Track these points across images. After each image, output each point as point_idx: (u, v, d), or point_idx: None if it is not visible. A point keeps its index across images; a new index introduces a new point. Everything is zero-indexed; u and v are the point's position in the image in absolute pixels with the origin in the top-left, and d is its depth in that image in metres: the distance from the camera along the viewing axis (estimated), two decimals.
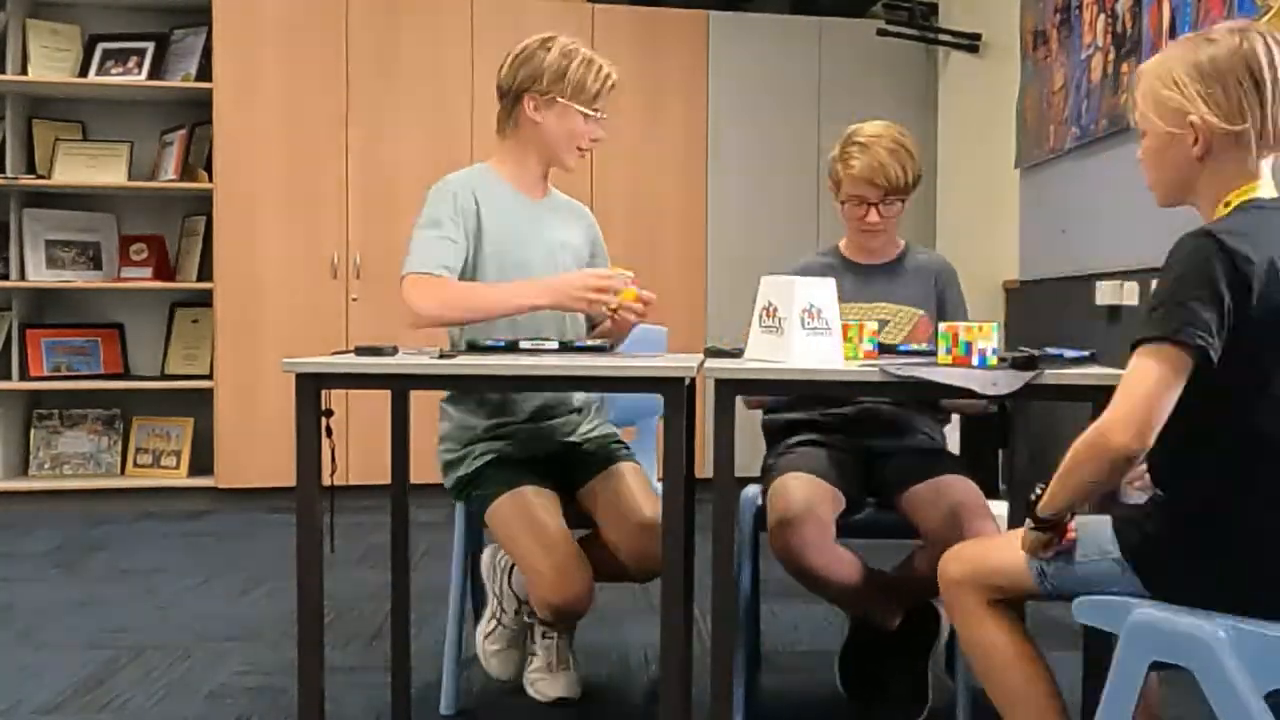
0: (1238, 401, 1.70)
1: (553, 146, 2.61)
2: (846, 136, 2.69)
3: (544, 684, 2.67)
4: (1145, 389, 1.67)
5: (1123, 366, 1.75)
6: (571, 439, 2.68)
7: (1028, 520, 1.86)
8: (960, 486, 2.50)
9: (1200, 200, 1.82)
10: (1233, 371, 1.68)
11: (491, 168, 2.66)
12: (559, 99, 2.55)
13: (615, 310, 2.44)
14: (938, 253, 3.02)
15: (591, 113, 2.58)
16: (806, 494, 2.42)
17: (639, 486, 2.56)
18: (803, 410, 2.72)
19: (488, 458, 2.58)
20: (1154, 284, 1.77)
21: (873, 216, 2.65)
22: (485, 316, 2.46)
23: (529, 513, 2.44)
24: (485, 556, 2.72)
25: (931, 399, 2.69)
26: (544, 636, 2.67)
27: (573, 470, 2.63)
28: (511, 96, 2.59)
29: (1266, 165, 1.80)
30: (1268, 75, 1.72)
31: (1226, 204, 1.77)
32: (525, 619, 2.67)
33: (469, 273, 2.55)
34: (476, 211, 2.56)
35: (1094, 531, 1.86)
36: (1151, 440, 1.67)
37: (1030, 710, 1.90)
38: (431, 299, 2.42)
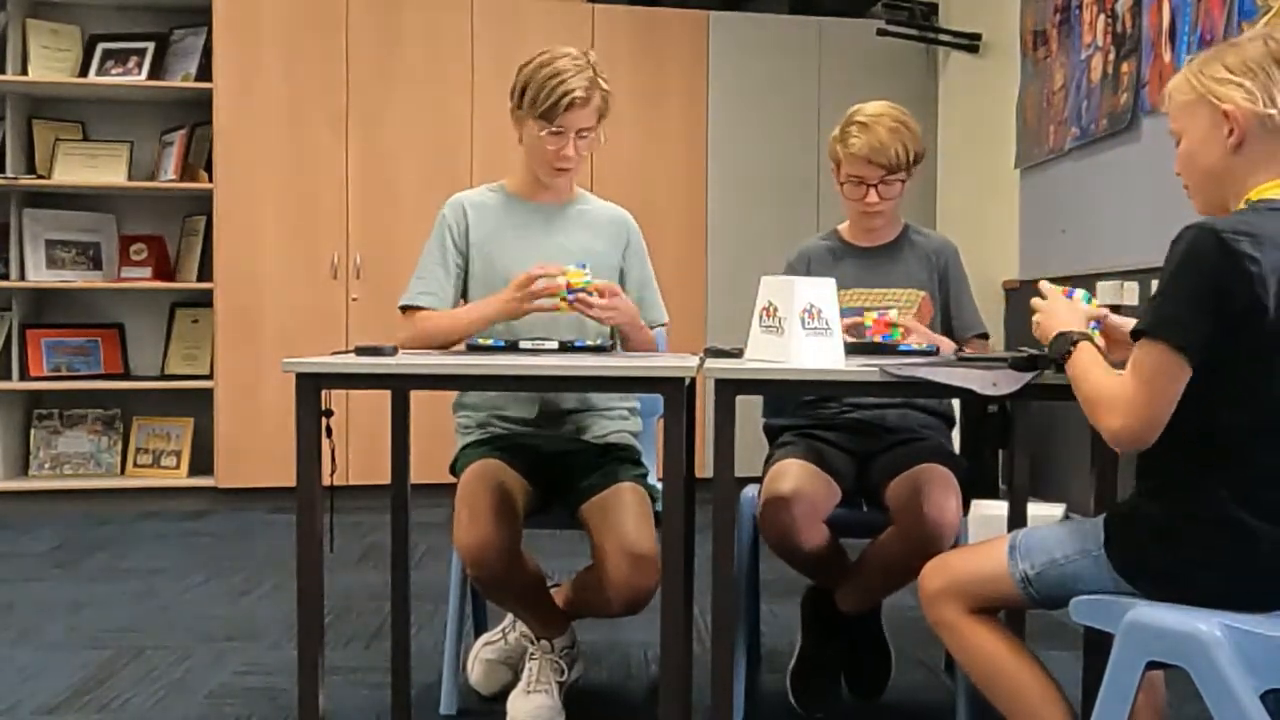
0: (1242, 398, 1.71)
1: (532, 162, 2.63)
2: (848, 116, 2.70)
3: (517, 702, 2.53)
4: (1137, 380, 1.72)
5: (1122, 368, 1.78)
6: (584, 438, 2.65)
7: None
8: (929, 465, 2.49)
9: (1232, 201, 1.82)
10: (1242, 368, 1.69)
11: (505, 182, 2.72)
12: (525, 114, 2.55)
13: (572, 304, 2.41)
14: (939, 233, 2.98)
15: (553, 129, 2.52)
16: (801, 476, 2.47)
17: (638, 513, 2.45)
18: (803, 415, 2.73)
19: (495, 431, 2.63)
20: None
21: (872, 197, 2.64)
22: (450, 342, 2.53)
23: (487, 472, 2.47)
24: None
25: (928, 403, 2.70)
26: (529, 657, 2.59)
27: (573, 477, 2.57)
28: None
29: None
30: None
31: (1247, 200, 1.78)
32: (525, 642, 2.64)
33: (467, 281, 2.65)
34: (465, 226, 2.65)
35: (1076, 532, 1.88)
36: (1148, 422, 1.71)
37: (1035, 703, 1.90)
38: (405, 334, 2.57)
